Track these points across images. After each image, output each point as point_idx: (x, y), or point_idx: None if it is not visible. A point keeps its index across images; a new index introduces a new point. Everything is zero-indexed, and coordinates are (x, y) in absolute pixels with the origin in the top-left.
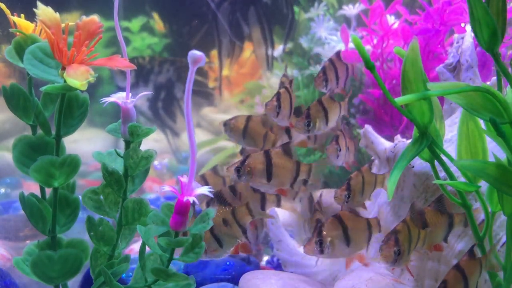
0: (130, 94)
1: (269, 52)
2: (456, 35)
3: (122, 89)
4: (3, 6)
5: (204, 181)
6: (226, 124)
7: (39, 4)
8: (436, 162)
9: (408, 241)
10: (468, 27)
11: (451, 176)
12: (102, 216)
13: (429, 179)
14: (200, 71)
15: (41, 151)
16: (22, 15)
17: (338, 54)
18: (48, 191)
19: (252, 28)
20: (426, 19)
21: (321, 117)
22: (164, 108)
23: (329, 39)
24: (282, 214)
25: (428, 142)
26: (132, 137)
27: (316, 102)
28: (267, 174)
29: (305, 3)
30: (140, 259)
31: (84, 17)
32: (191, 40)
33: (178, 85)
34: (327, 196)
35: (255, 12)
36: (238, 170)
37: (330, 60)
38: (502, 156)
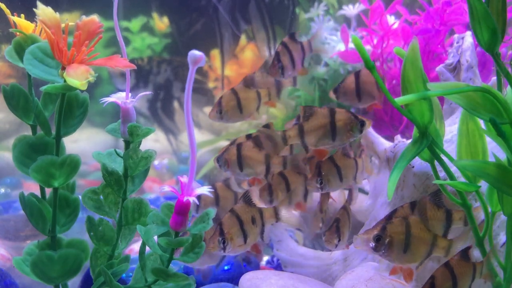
0: (129, 94)
1: (271, 46)
2: (456, 35)
3: (121, 90)
4: (3, 6)
5: (215, 193)
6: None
7: (39, 4)
8: (436, 162)
9: (405, 237)
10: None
11: (451, 176)
12: (102, 216)
13: (429, 179)
14: (200, 70)
15: (41, 151)
16: (22, 15)
17: (291, 35)
18: (48, 191)
19: (254, 23)
20: (426, 19)
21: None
22: (164, 108)
23: (329, 39)
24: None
25: (428, 142)
26: (132, 137)
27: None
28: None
29: (305, 3)
30: (140, 259)
31: (84, 17)
32: (192, 38)
33: (177, 85)
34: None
35: (256, 6)
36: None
37: (283, 44)
38: (502, 156)
